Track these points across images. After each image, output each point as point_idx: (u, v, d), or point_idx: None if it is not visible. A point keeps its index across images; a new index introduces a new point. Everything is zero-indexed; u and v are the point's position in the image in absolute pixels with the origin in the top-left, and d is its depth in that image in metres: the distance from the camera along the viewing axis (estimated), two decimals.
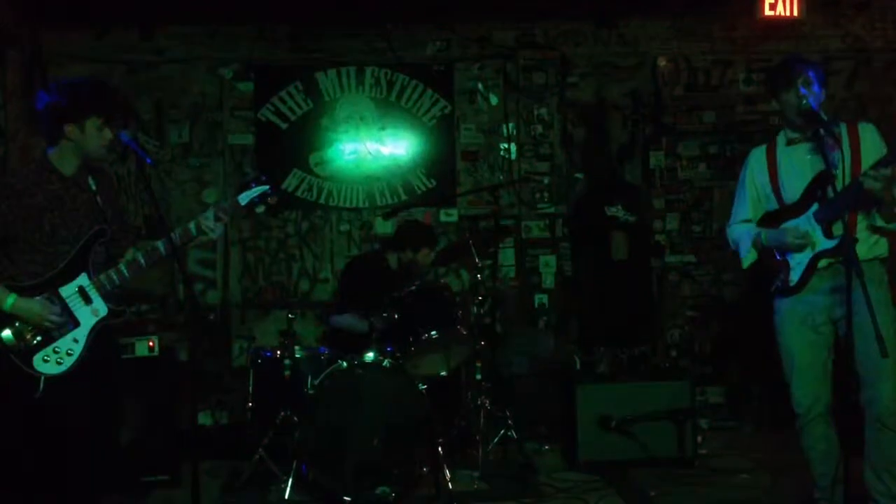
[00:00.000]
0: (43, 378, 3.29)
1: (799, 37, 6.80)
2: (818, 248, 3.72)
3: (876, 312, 3.28)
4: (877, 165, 3.48)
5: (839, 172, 3.64)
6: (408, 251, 5.61)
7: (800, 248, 3.76)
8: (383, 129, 6.75)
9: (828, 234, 3.69)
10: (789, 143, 3.89)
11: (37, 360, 3.30)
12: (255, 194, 3.60)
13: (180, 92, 6.61)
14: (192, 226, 3.51)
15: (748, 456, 5.34)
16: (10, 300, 3.28)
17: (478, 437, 5.13)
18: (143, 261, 3.45)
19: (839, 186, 3.60)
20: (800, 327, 3.81)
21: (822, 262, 3.72)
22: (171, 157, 6.55)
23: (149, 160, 3.38)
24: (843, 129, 3.77)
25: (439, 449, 4.65)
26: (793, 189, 3.83)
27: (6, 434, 3.41)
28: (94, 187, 3.49)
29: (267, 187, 3.63)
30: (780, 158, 3.90)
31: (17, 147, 6.17)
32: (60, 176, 3.43)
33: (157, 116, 6.58)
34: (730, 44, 6.87)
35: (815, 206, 3.74)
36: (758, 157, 4.01)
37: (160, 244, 3.45)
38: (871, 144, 3.73)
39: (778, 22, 6.66)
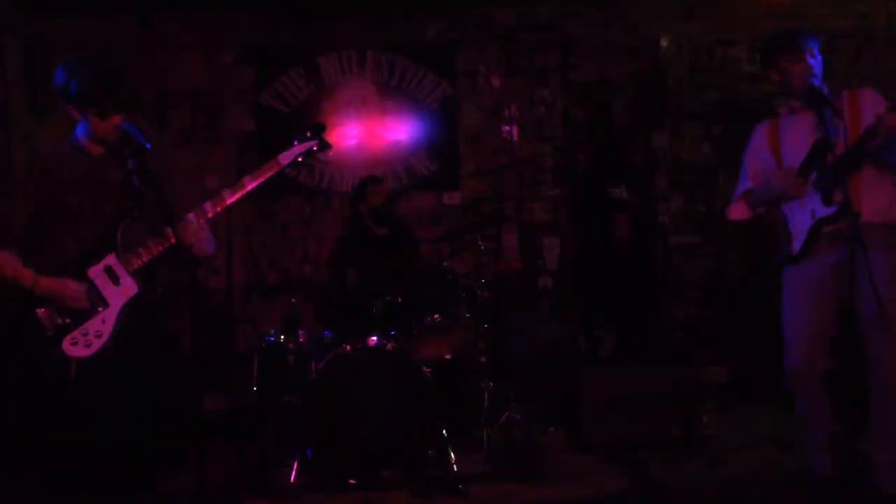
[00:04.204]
0: (74, 362, 3.23)
1: (802, 15, 6.75)
2: (817, 216, 3.71)
3: (886, 282, 3.28)
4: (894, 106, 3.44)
5: (838, 140, 3.60)
6: (361, 202, 5.71)
7: (791, 191, 3.75)
8: (385, 112, 6.73)
9: (827, 202, 3.67)
10: (792, 111, 3.89)
11: (66, 342, 3.24)
12: (299, 152, 3.45)
13: (181, 77, 6.60)
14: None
15: (753, 434, 5.33)
16: (37, 281, 3.25)
17: (482, 419, 5.14)
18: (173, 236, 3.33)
19: (837, 149, 3.56)
20: (804, 294, 3.81)
21: (825, 230, 3.71)
22: (172, 142, 6.56)
23: (148, 145, 3.34)
24: (844, 98, 3.75)
25: (444, 431, 4.67)
26: (793, 157, 3.82)
27: (40, 419, 3.38)
28: (132, 166, 3.37)
29: (314, 143, 3.46)
30: (783, 127, 3.90)
31: (19, 135, 6.16)
32: (88, 155, 3.41)
33: (158, 102, 6.59)
34: (732, 23, 6.84)
35: (814, 174, 3.73)
36: (761, 130, 4.03)
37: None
38: (871, 106, 3.69)
39: (781, 0, 6.63)
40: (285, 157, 3.45)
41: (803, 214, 3.78)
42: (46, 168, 3.39)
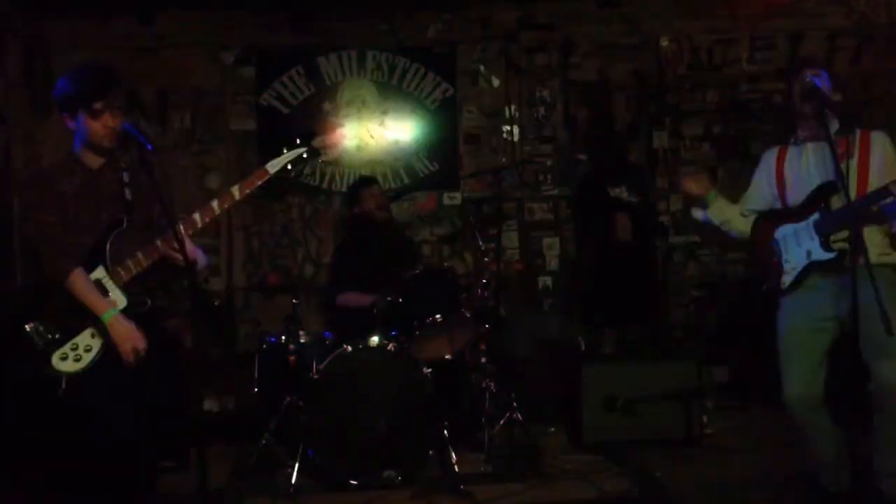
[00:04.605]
0: (64, 377, 3.22)
1: (802, 14, 6.75)
2: (813, 258, 3.67)
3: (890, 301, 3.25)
4: None
5: (847, 181, 3.49)
6: (355, 204, 5.70)
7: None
8: (385, 112, 6.73)
9: (826, 247, 3.63)
10: (801, 141, 3.83)
11: (55, 358, 3.23)
12: (287, 160, 3.45)
13: (182, 78, 6.59)
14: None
15: (754, 435, 5.33)
16: (111, 313, 3.26)
17: (483, 420, 5.14)
18: (159, 245, 3.33)
19: (843, 195, 3.47)
20: (798, 320, 3.76)
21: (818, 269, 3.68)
22: (173, 143, 6.55)
23: (149, 146, 3.33)
24: (857, 137, 3.69)
25: (445, 431, 4.67)
26: (796, 191, 3.79)
27: (40, 421, 3.36)
28: (126, 179, 3.40)
29: (302, 150, 3.46)
30: (789, 156, 3.85)
31: (20, 135, 6.16)
32: (85, 168, 3.40)
33: (159, 102, 6.58)
34: (733, 22, 6.83)
35: (816, 216, 3.68)
36: (769, 155, 3.98)
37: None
38: (882, 154, 3.66)
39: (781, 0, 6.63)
40: (273, 166, 3.45)
41: (798, 251, 3.74)
42: (47, 181, 3.38)
